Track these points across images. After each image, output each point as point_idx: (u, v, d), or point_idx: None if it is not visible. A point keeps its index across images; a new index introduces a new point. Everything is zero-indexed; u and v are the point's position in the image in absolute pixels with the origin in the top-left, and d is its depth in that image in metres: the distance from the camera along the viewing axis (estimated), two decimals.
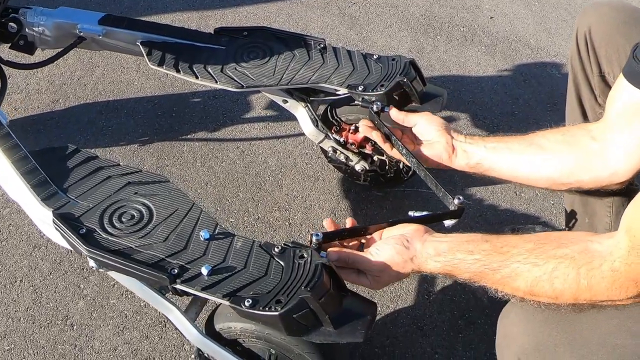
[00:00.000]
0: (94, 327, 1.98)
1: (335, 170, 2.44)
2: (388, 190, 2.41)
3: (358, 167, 2.17)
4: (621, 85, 1.44)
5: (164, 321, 1.97)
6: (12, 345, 1.93)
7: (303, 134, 2.21)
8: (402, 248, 1.44)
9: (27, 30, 2.25)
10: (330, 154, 2.19)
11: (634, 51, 1.39)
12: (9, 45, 2.27)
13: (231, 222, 2.29)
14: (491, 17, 3.48)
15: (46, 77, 2.84)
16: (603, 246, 1.21)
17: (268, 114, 2.74)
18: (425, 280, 2.14)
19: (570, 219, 1.89)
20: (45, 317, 2.00)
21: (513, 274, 1.29)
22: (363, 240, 1.59)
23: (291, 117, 2.22)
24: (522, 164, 1.63)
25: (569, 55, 1.79)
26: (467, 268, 1.36)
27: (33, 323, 1.98)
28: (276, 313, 1.34)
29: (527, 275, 1.27)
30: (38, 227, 1.70)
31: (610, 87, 1.61)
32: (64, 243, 1.59)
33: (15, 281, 2.08)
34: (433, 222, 1.86)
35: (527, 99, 2.91)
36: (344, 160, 2.17)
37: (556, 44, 3.32)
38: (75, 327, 1.98)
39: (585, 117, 1.75)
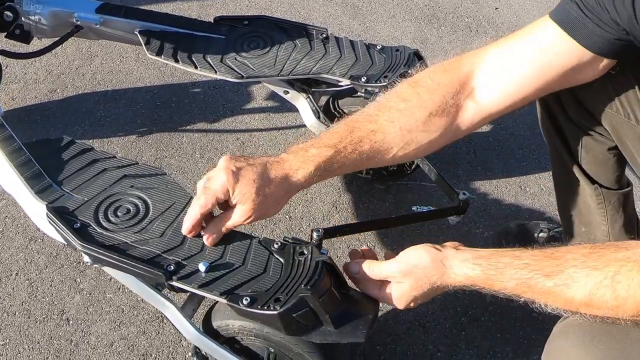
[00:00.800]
0: (90, 322, 1.95)
1: None
2: (390, 183, 2.37)
3: None
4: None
5: (162, 316, 1.94)
6: (7, 340, 1.90)
7: (305, 126, 2.18)
8: (432, 249, 1.33)
9: (23, 19, 2.22)
10: None
11: None
12: (4, 34, 2.24)
13: None
14: (496, 8, 3.44)
15: (44, 67, 2.81)
16: None
17: (269, 105, 2.71)
18: None
19: (567, 227, 1.86)
20: (41, 312, 1.97)
21: (569, 280, 1.15)
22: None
23: (292, 108, 2.19)
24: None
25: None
26: (513, 274, 1.21)
27: (28, 317, 1.96)
28: (275, 312, 1.31)
29: (585, 281, 1.13)
30: (32, 221, 1.66)
31: (584, 107, 1.57)
32: (58, 237, 1.56)
33: (11, 275, 2.06)
34: (437, 218, 1.83)
35: None
36: None
37: None
38: (71, 322, 1.95)
39: (562, 137, 1.69)
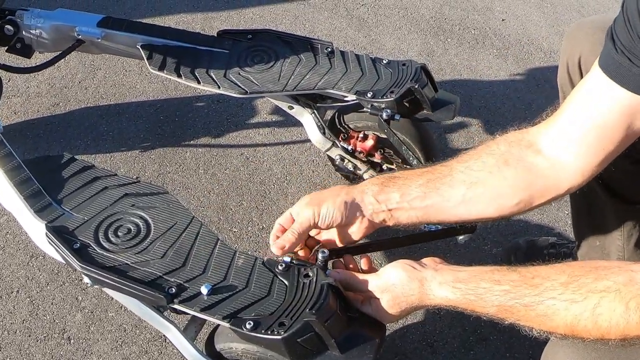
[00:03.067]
0: (92, 342, 1.93)
1: (343, 178, 2.37)
2: None
3: (366, 176, 2.12)
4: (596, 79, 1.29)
5: (164, 336, 1.90)
6: (8, 359, 1.88)
7: (310, 141, 2.15)
8: (411, 268, 1.32)
9: (24, 33, 2.21)
10: (337, 162, 2.14)
11: (611, 36, 1.25)
12: (5, 48, 2.24)
13: (234, 232, 2.23)
14: (503, 20, 3.42)
15: (47, 80, 2.79)
16: None
17: (273, 119, 2.68)
18: None
19: (580, 240, 1.82)
20: (42, 330, 1.95)
21: (549, 312, 1.13)
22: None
23: (297, 123, 2.17)
24: (452, 212, 1.43)
25: (559, 82, 1.70)
26: (493, 301, 1.20)
27: (29, 336, 1.93)
28: (279, 337, 1.28)
29: (565, 314, 1.11)
30: (32, 239, 1.64)
31: None
32: (58, 257, 1.54)
33: (12, 292, 2.04)
34: (446, 237, 1.80)
35: (541, 105, 2.84)
36: (351, 168, 2.12)
37: None
38: (72, 340, 1.93)
39: None
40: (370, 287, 1.35)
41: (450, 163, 1.46)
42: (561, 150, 1.34)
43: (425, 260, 1.35)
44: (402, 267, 1.33)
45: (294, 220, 1.45)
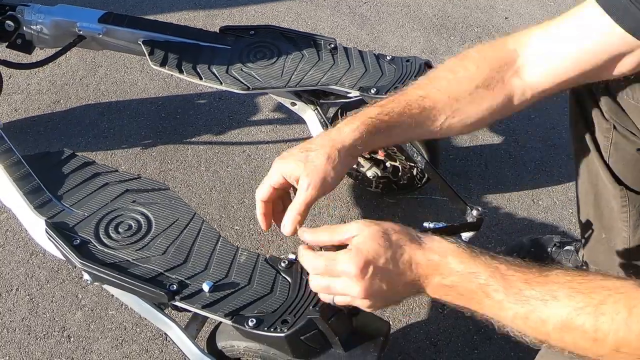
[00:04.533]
0: (92, 340, 1.92)
1: (346, 176, 2.35)
2: (400, 197, 2.33)
3: (370, 174, 2.11)
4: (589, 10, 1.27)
5: (165, 334, 1.90)
6: (7, 357, 1.88)
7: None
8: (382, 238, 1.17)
9: (24, 28, 2.19)
10: None
11: None
12: (6, 44, 2.22)
13: (236, 229, 2.22)
14: (506, 18, 3.40)
15: (47, 77, 2.78)
16: None
17: (276, 117, 2.67)
18: None
19: (586, 233, 1.81)
20: (42, 328, 1.94)
21: (548, 295, 1.01)
22: None
23: (300, 120, 2.16)
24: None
25: None
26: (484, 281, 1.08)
27: (29, 334, 1.93)
28: (282, 334, 1.28)
29: (565, 302, 1.00)
30: (31, 236, 1.63)
31: (618, 104, 1.52)
32: (58, 253, 1.53)
33: (12, 290, 2.03)
34: (451, 234, 1.78)
35: (544, 103, 2.82)
36: (354, 166, 2.10)
37: None
38: (72, 339, 1.92)
39: (591, 132, 1.65)
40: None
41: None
42: (533, 67, 1.35)
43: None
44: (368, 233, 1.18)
45: (275, 191, 1.34)
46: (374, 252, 1.13)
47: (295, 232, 1.30)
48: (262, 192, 1.34)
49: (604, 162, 1.63)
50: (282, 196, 1.38)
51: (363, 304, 1.18)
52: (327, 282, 1.19)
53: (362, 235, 1.17)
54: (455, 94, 1.37)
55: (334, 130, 1.34)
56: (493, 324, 1.10)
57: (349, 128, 1.32)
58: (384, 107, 1.35)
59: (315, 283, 1.22)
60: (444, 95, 1.37)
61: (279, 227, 1.33)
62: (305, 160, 1.30)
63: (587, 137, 1.64)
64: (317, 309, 1.28)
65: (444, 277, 1.12)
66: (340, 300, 1.21)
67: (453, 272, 1.11)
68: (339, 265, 1.15)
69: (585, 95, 1.60)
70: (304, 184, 1.28)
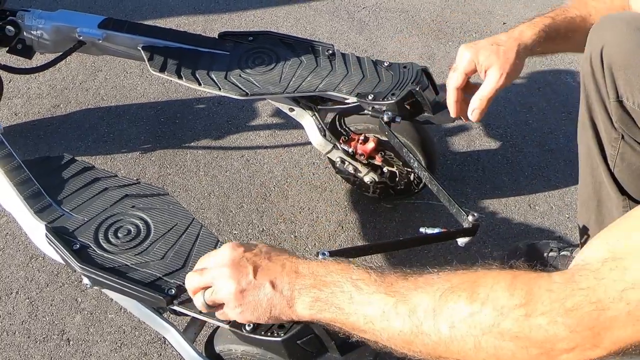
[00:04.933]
0: (91, 343, 1.92)
1: (344, 181, 2.37)
2: (398, 202, 2.34)
3: (367, 179, 2.12)
4: None
5: (163, 338, 1.90)
6: None
7: (310, 143, 2.14)
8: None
9: (25, 33, 2.21)
10: (338, 165, 2.13)
11: None
12: (6, 49, 2.24)
13: (235, 234, 2.23)
14: (504, 23, 3.41)
15: (47, 82, 2.79)
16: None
17: (274, 122, 2.68)
18: None
19: (585, 238, 1.82)
20: (41, 332, 1.95)
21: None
22: None
23: (298, 125, 2.17)
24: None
25: (582, 73, 1.70)
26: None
27: (28, 337, 1.93)
28: (279, 339, 1.28)
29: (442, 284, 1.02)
30: (31, 240, 1.64)
31: (628, 114, 1.54)
32: (58, 258, 1.54)
33: (11, 293, 2.04)
34: (447, 240, 1.80)
35: (542, 108, 2.84)
36: (352, 171, 2.11)
37: None
38: (71, 342, 1.92)
39: (599, 140, 1.66)
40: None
41: None
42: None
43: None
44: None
45: (467, 78, 1.64)
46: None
47: (480, 118, 1.62)
48: (457, 79, 1.63)
49: (609, 171, 1.64)
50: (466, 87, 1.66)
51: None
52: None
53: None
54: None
55: (516, 31, 1.59)
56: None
57: (531, 31, 1.58)
58: (560, 15, 1.64)
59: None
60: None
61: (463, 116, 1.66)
62: (497, 52, 1.55)
63: (594, 144, 1.65)
64: None
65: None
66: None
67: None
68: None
69: (596, 102, 1.60)
70: (496, 72, 1.55)
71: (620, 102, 1.54)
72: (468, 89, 1.70)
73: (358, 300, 1.09)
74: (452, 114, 1.66)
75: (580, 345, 0.89)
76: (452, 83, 1.62)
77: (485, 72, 1.58)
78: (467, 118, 1.68)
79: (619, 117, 1.56)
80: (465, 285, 0.99)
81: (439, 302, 0.99)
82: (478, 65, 1.59)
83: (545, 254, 2.07)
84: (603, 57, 1.55)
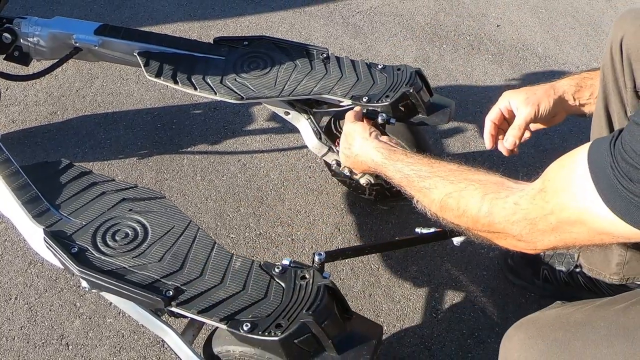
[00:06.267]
0: (90, 347, 1.93)
1: (340, 184, 2.38)
2: (394, 204, 2.34)
3: (363, 181, 2.12)
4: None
5: (162, 341, 1.91)
6: None
7: (306, 147, 2.16)
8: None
9: (21, 40, 2.22)
10: (334, 168, 2.14)
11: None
12: (3, 56, 2.24)
13: (232, 237, 2.24)
14: (498, 25, 3.43)
15: (44, 89, 2.80)
16: (517, 185, 1.25)
17: (270, 126, 2.69)
18: (433, 298, 2.08)
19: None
20: (40, 337, 1.95)
21: (432, 185, 1.38)
22: None
23: (294, 129, 2.18)
24: None
25: (602, 63, 1.71)
26: (400, 168, 1.49)
27: (27, 342, 1.94)
28: (276, 338, 1.30)
29: (442, 189, 1.35)
30: (30, 245, 1.65)
31: None
32: (56, 262, 1.55)
33: (10, 298, 2.04)
34: (441, 240, 1.81)
35: None
36: (348, 173, 2.11)
37: (564, 52, 3.26)
38: (70, 347, 1.93)
39: (611, 130, 1.67)
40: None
41: None
42: None
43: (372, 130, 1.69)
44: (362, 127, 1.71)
45: (503, 115, 1.73)
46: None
47: (514, 146, 1.69)
48: (492, 113, 1.73)
49: None
50: (502, 124, 1.74)
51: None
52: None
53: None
54: None
55: (554, 82, 1.71)
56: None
57: (567, 80, 1.71)
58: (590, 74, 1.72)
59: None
60: None
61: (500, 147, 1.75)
62: (528, 91, 1.68)
63: (607, 134, 1.65)
64: (310, 312, 1.30)
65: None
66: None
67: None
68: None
69: (613, 92, 1.61)
70: (525, 105, 1.65)
71: (636, 92, 1.56)
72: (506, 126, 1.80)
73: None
74: (487, 145, 1.75)
75: (522, 242, 1.21)
76: (488, 116, 1.73)
77: (517, 107, 1.68)
78: (505, 150, 1.75)
79: (634, 107, 1.57)
80: (455, 194, 1.31)
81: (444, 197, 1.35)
82: (512, 103, 1.70)
83: (541, 254, 2.08)
84: (622, 47, 1.58)
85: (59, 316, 2.00)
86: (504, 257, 2.15)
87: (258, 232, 2.26)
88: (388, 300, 2.06)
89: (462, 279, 2.14)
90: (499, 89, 2.90)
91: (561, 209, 1.10)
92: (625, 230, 1.03)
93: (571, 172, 1.10)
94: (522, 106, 1.66)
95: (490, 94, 2.93)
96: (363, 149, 1.64)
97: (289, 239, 2.24)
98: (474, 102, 2.89)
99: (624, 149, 1.00)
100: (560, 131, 2.69)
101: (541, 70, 3.13)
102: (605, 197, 1.03)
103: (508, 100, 1.70)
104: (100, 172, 2.34)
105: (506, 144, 1.70)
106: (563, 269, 2.02)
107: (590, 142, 1.10)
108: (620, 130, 1.05)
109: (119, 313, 1.99)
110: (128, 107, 2.75)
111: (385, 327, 1.98)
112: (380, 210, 2.35)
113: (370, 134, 1.66)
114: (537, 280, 2.07)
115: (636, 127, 1.00)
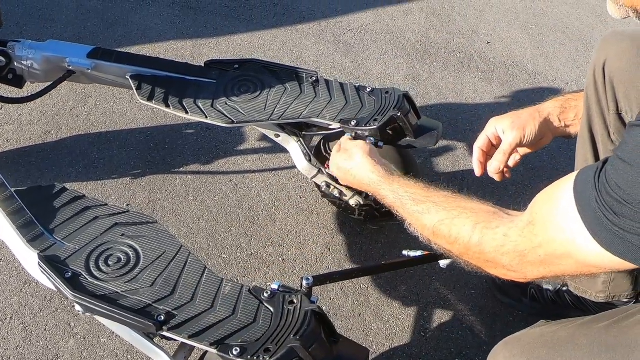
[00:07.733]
0: None
1: (330, 204, 2.40)
2: (383, 224, 2.36)
3: (352, 202, 2.15)
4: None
5: None
6: None
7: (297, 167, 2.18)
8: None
9: (15, 63, 2.25)
10: (324, 189, 2.16)
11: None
12: None
13: (224, 257, 2.26)
14: (488, 43, 3.46)
15: (38, 108, 2.81)
16: (508, 216, 1.28)
17: (262, 146, 2.71)
18: (422, 317, 2.10)
19: None
20: (35, 356, 1.96)
21: (425, 210, 1.40)
22: None
23: (285, 150, 2.19)
24: None
25: (585, 85, 1.74)
26: (394, 189, 1.54)
27: None
28: None
29: (435, 215, 1.37)
30: (24, 268, 1.67)
31: (626, 127, 1.56)
32: (50, 285, 1.57)
33: (5, 318, 2.05)
34: (430, 262, 1.83)
35: None
36: (338, 195, 2.14)
37: (554, 69, 3.29)
38: None
39: (595, 152, 1.70)
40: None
41: None
42: None
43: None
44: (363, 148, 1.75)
45: (491, 142, 1.75)
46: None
47: (499, 170, 1.72)
48: (480, 141, 1.75)
49: None
50: (490, 150, 1.76)
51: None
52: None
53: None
54: None
55: (538, 105, 1.73)
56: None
57: (551, 104, 1.73)
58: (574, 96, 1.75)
59: None
60: None
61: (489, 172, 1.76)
62: (513, 116, 1.70)
63: (591, 156, 1.68)
64: (297, 337, 1.33)
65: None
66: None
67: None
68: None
69: (596, 114, 1.64)
70: (510, 130, 1.68)
71: (619, 115, 1.59)
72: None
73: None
74: (477, 172, 1.78)
75: (512, 272, 1.24)
76: (476, 143, 1.76)
77: (504, 132, 1.71)
78: (495, 176, 1.77)
79: (617, 130, 1.60)
80: (447, 222, 1.34)
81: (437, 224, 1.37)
82: (498, 129, 1.72)
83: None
84: (605, 70, 1.61)
85: (53, 336, 2.01)
86: (492, 277, 2.16)
87: (250, 252, 2.28)
88: (377, 320, 2.09)
89: (451, 298, 2.16)
90: (489, 107, 2.94)
91: (549, 241, 1.14)
92: (611, 262, 1.07)
93: (558, 205, 1.13)
94: (508, 131, 1.68)
95: (480, 112, 2.96)
96: (361, 165, 1.68)
97: (280, 259, 2.26)
98: (463, 120, 2.92)
99: (608, 183, 1.04)
100: (549, 149, 2.71)
101: (531, 87, 3.16)
102: (591, 230, 1.06)
103: (494, 126, 1.72)
104: (93, 192, 2.37)
105: (490, 169, 1.73)
106: (550, 287, 2.05)
107: (575, 174, 1.14)
108: (605, 161, 1.09)
109: (113, 333, 2.00)
110: (121, 127, 2.77)
111: (374, 347, 2.00)
112: (370, 230, 2.37)
113: (371, 154, 1.71)
114: (525, 299, 2.10)
115: (620, 163, 1.04)
